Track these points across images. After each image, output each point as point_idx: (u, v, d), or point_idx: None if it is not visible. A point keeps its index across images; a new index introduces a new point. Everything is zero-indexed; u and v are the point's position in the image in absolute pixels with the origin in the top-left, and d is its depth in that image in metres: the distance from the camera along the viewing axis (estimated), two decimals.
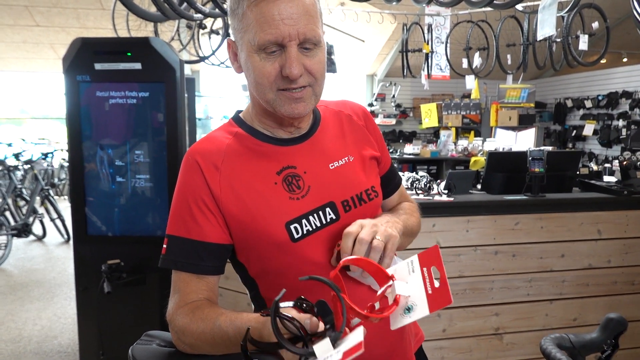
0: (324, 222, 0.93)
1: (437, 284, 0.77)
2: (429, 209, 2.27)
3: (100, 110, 2.25)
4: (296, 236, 0.90)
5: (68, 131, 2.27)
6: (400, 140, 9.33)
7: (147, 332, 0.94)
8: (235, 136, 0.96)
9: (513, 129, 6.60)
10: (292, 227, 0.90)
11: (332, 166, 0.97)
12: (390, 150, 7.01)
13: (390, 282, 0.79)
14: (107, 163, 2.27)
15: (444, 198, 2.39)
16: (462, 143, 6.58)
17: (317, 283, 0.85)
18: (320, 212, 0.93)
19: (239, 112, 1.02)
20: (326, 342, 0.67)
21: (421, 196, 2.42)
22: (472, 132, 7.65)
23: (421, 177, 2.55)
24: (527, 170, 2.45)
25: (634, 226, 2.55)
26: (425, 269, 0.79)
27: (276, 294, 0.95)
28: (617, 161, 3.08)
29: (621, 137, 7.72)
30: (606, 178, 2.87)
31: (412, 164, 6.63)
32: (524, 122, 6.97)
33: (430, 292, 0.76)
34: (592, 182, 2.73)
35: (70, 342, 3.11)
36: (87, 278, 2.30)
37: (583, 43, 4.60)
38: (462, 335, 2.42)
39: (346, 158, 1.00)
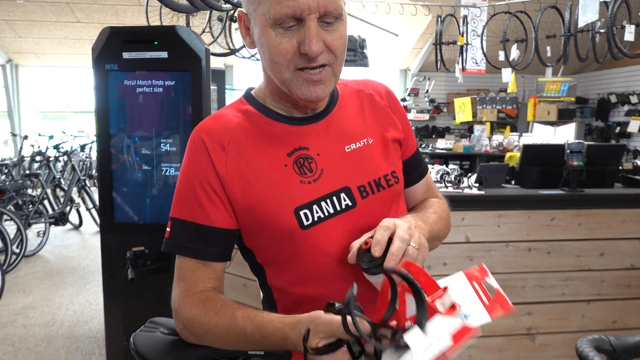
0: (338, 208, 0.88)
1: (490, 296, 0.75)
2: (458, 202, 2.19)
3: (128, 98, 2.27)
4: (306, 223, 0.85)
5: (96, 119, 2.30)
6: (433, 136, 9.13)
7: (152, 318, 0.91)
8: (245, 114, 0.91)
9: (552, 124, 6.33)
10: (301, 213, 0.85)
11: (348, 148, 0.91)
12: (422, 145, 6.86)
13: (441, 292, 0.72)
14: (133, 151, 2.29)
15: (475, 191, 2.30)
16: (497, 138, 6.38)
17: (330, 276, 0.81)
18: (334, 198, 0.87)
19: (251, 89, 0.97)
20: (416, 331, 0.64)
21: (450, 189, 2.34)
22: (508, 127, 7.41)
23: (451, 170, 2.46)
24: (565, 164, 2.33)
25: None
26: (475, 283, 0.75)
27: (282, 284, 0.91)
28: None
29: None
30: None
31: (444, 159, 6.46)
32: (564, 116, 6.69)
33: (487, 302, 0.72)
34: (637, 177, 2.57)
35: (99, 327, 3.18)
36: (113, 265, 2.33)
37: (629, 34, 4.33)
38: (491, 334, 2.32)
39: (365, 140, 0.93)
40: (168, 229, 0.88)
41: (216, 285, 0.88)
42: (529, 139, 5.89)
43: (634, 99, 7.95)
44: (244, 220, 0.87)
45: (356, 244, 0.80)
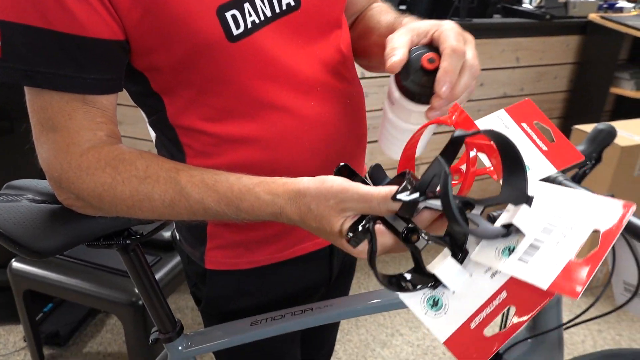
0: (277, 10, 0.62)
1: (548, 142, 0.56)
2: None
3: None
4: (236, 32, 0.58)
5: None
6: None
7: (10, 182, 0.62)
8: None
9: None
10: (228, 15, 0.58)
11: None
12: None
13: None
14: None
15: None
16: None
17: (272, 107, 0.62)
18: None
19: None
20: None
21: None
22: None
23: None
24: None
25: (549, 53, 2.53)
26: (525, 124, 0.57)
27: (195, 120, 0.63)
28: None
29: None
30: (525, 5, 2.75)
31: None
32: None
33: (545, 148, 0.55)
34: (515, 7, 2.59)
35: None
36: None
37: None
38: None
39: None
40: None
41: (111, 131, 0.60)
42: None
43: None
44: (134, 27, 0.56)
45: (402, 49, 0.55)
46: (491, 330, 0.42)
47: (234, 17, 0.58)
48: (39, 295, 1.59)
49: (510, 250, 0.42)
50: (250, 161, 0.67)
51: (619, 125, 2.07)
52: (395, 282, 0.46)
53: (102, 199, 0.58)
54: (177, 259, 1.57)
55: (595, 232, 0.41)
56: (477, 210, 0.47)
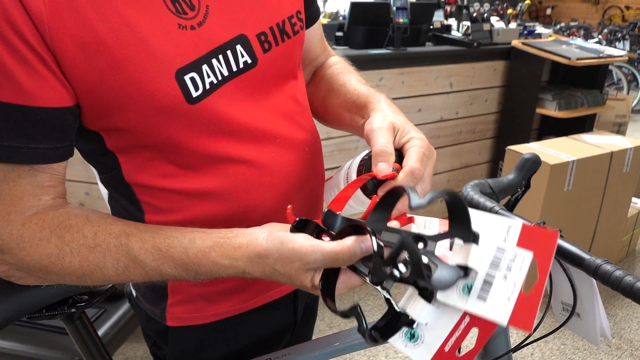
0: (234, 68, 0.61)
1: None
2: None
3: None
4: (195, 94, 0.57)
5: None
6: None
7: None
8: None
9: None
10: (187, 78, 0.56)
11: None
12: None
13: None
14: None
15: None
16: None
17: (231, 163, 0.62)
18: (229, 52, 0.60)
19: None
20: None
21: None
22: None
23: None
24: (391, 22, 2.31)
25: (479, 78, 2.68)
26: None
27: (152, 178, 0.62)
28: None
29: None
30: (454, 33, 2.91)
31: None
32: None
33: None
34: (444, 35, 2.74)
35: None
36: None
37: None
38: None
39: None
40: None
41: (59, 192, 0.57)
42: None
43: None
44: (88, 91, 0.53)
45: (392, 157, 0.60)
46: (465, 348, 0.49)
47: (192, 79, 0.57)
48: None
49: (469, 288, 0.48)
50: (212, 214, 0.65)
51: (547, 144, 2.22)
52: (378, 336, 0.49)
53: (48, 271, 0.54)
54: (123, 309, 1.49)
55: (534, 260, 0.46)
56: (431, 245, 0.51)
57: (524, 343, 0.72)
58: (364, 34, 2.43)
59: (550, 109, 2.66)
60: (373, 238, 0.47)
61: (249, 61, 0.62)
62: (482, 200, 0.84)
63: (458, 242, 0.49)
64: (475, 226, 0.49)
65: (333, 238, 0.52)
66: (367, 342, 0.48)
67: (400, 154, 0.61)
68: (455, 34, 2.95)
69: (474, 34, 2.65)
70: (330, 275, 0.51)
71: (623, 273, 0.52)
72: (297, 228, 0.52)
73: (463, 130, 2.75)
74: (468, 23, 2.73)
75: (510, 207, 0.95)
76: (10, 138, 0.50)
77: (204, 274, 0.55)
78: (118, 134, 0.59)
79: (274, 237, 0.53)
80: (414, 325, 0.49)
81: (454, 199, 0.48)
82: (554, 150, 2.11)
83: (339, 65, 0.83)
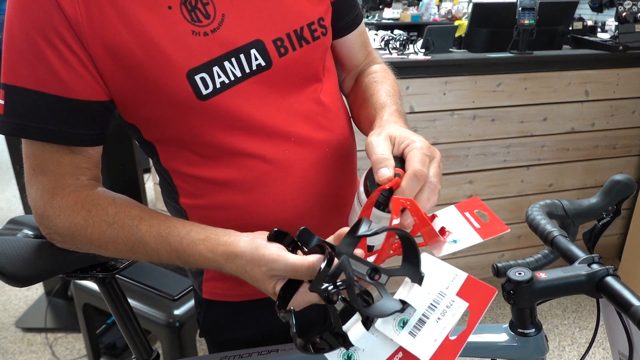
0: (247, 70, 0.67)
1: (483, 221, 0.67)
2: (403, 70, 2.01)
3: None
4: (205, 92, 0.65)
5: None
6: (380, 7, 8.59)
7: (14, 217, 0.72)
8: None
9: None
10: (197, 78, 0.64)
11: None
12: (368, 17, 6.44)
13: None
14: None
15: (420, 57, 2.11)
16: (446, 5, 6.05)
17: (240, 155, 0.69)
18: (242, 56, 0.66)
19: None
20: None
21: (395, 55, 2.14)
22: None
23: (397, 35, 2.24)
24: (516, 23, 2.15)
25: (623, 86, 2.35)
26: (467, 213, 0.69)
27: (181, 165, 0.71)
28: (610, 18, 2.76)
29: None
30: (600, 35, 2.58)
31: (391, 30, 6.13)
32: None
33: (477, 226, 0.66)
34: (585, 37, 2.45)
35: None
36: None
37: None
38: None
39: None
40: (1, 102, 0.63)
41: (94, 175, 0.69)
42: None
43: None
44: (117, 89, 0.64)
45: (391, 161, 0.60)
46: None
47: (202, 79, 0.64)
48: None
49: (405, 323, 0.51)
50: (230, 203, 0.73)
51: None
52: (310, 347, 0.53)
53: (74, 237, 0.66)
54: None
55: (467, 310, 0.49)
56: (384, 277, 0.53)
57: None
58: (486, 37, 2.31)
59: None
60: (326, 257, 0.51)
61: (263, 64, 0.68)
62: (543, 222, 0.77)
63: (407, 279, 0.53)
64: (425, 268, 0.53)
65: (305, 254, 0.56)
66: (297, 347, 0.52)
67: (402, 161, 0.61)
68: (603, 35, 2.62)
69: (621, 36, 2.32)
70: (292, 286, 0.56)
71: None
72: (275, 238, 0.58)
73: (600, 144, 2.43)
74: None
75: (595, 235, 0.84)
76: (53, 122, 0.63)
77: (192, 263, 0.64)
78: (148, 126, 0.70)
79: (252, 242, 0.59)
80: (352, 349, 0.52)
81: (406, 240, 0.52)
82: None
83: (376, 75, 0.84)
